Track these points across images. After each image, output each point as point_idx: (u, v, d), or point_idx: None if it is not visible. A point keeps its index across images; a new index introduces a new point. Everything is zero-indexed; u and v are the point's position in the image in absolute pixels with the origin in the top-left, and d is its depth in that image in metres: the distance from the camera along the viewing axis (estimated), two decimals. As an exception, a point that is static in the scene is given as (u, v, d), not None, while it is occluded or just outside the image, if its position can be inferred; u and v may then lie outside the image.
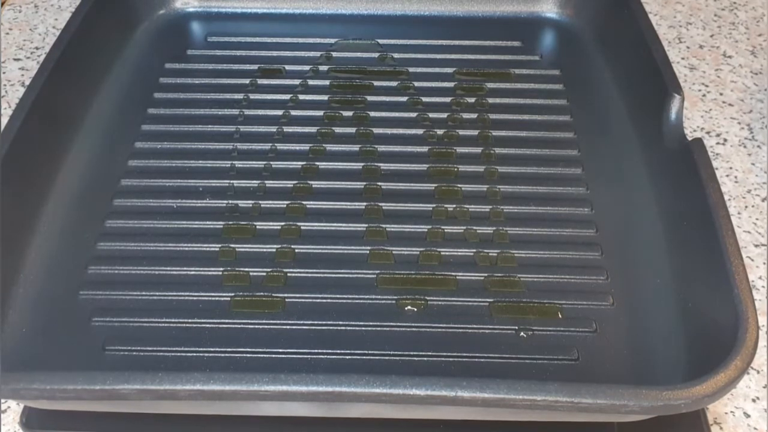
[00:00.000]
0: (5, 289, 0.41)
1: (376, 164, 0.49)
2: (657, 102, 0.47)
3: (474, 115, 0.53)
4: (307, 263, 0.44)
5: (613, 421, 0.38)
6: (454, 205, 0.47)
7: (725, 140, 0.58)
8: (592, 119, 0.52)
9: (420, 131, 0.52)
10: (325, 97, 0.54)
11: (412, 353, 0.39)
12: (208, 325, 0.41)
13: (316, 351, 0.39)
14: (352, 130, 0.52)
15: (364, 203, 0.47)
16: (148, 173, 0.49)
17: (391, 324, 0.41)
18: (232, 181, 0.48)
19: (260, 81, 0.56)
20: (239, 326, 0.41)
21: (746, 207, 0.53)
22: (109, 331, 0.40)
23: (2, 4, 0.69)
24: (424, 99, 0.54)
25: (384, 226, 0.45)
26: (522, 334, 0.40)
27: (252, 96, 0.54)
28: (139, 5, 0.60)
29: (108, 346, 0.40)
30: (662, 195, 0.46)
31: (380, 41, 0.59)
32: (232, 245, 0.44)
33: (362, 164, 0.49)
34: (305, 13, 0.62)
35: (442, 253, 0.44)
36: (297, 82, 0.56)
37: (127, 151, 0.50)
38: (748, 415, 0.43)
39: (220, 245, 0.44)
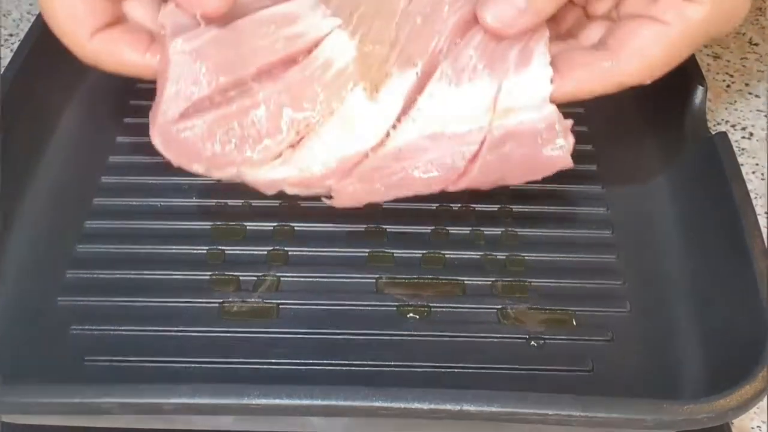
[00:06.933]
0: (-23, 295, 0.41)
1: (375, 161, 0.48)
2: (678, 93, 0.46)
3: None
4: (302, 267, 0.43)
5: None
6: (459, 204, 0.46)
7: (751, 134, 0.56)
8: (606, 112, 0.51)
9: (422, 126, 0.51)
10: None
11: (414, 363, 0.39)
12: (195, 334, 0.40)
13: (311, 361, 0.39)
14: (350, 124, 0.51)
15: (363, 202, 0.46)
16: (130, 170, 0.47)
17: (392, 332, 0.40)
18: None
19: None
20: (229, 335, 0.40)
21: (773, 206, 0.52)
22: (89, 340, 0.39)
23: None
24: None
25: (384, 226, 0.44)
26: (533, 343, 0.40)
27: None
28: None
29: (88, 357, 0.39)
30: (683, 193, 0.45)
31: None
32: (221, 247, 0.43)
33: (361, 160, 0.48)
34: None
35: (447, 256, 0.43)
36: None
37: (108, 146, 0.49)
38: (775, 430, 0.41)
39: (208, 247, 0.43)
